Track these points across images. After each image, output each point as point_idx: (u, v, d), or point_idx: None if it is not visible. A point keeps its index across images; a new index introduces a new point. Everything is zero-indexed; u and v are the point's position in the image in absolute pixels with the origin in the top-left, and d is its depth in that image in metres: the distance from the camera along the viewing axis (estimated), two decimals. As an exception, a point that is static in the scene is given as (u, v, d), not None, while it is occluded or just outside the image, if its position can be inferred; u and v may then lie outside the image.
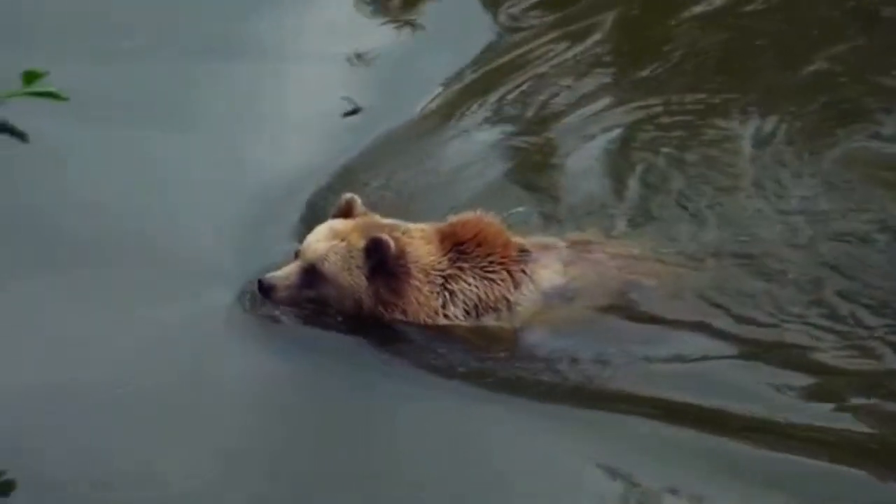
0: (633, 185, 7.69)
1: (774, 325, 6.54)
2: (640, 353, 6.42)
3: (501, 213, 6.94)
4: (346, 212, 6.67)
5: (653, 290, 6.69)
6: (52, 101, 4.21)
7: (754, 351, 6.42)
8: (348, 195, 6.71)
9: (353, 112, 8.43)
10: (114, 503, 5.61)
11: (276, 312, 6.62)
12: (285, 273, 6.56)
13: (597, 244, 6.88)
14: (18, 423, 5.90)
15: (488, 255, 6.61)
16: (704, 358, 6.42)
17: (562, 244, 6.80)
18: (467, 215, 6.74)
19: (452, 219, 6.73)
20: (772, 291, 6.70)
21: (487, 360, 6.46)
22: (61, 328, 6.53)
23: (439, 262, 6.58)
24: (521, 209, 7.42)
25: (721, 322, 6.57)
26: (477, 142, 8.25)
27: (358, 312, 6.58)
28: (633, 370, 6.33)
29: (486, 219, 6.70)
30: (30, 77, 4.15)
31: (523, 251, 6.67)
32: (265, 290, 6.53)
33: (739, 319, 6.58)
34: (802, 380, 6.23)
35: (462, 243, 6.62)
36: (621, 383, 6.24)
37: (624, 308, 6.65)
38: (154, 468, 5.74)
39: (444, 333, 6.58)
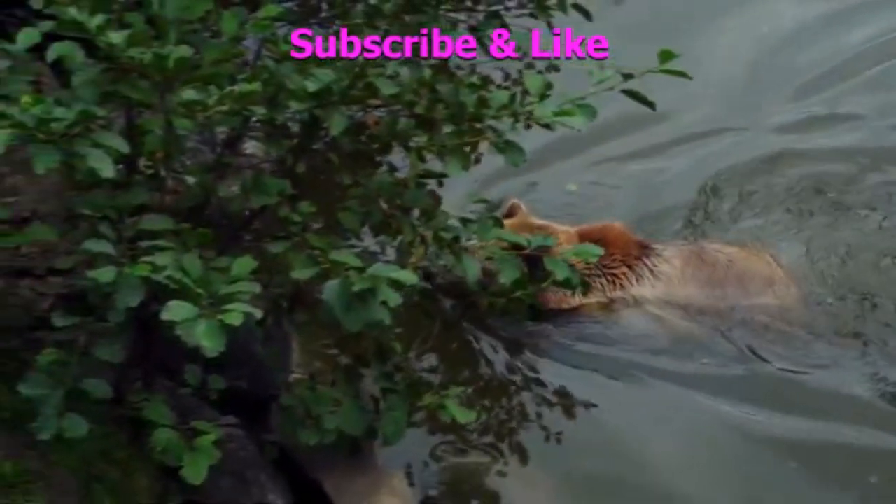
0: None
1: None
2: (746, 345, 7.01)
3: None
4: (510, 215, 7.38)
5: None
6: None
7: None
8: (514, 200, 7.45)
9: None
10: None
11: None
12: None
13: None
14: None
15: (612, 254, 7.29)
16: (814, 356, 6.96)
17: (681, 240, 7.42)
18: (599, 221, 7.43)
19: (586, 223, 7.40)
20: None
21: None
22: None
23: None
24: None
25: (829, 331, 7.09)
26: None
27: None
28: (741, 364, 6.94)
29: (612, 222, 7.42)
30: (665, 56, 4.73)
31: (645, 247, 7.31)
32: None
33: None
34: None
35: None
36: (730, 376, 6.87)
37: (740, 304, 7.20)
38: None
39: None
